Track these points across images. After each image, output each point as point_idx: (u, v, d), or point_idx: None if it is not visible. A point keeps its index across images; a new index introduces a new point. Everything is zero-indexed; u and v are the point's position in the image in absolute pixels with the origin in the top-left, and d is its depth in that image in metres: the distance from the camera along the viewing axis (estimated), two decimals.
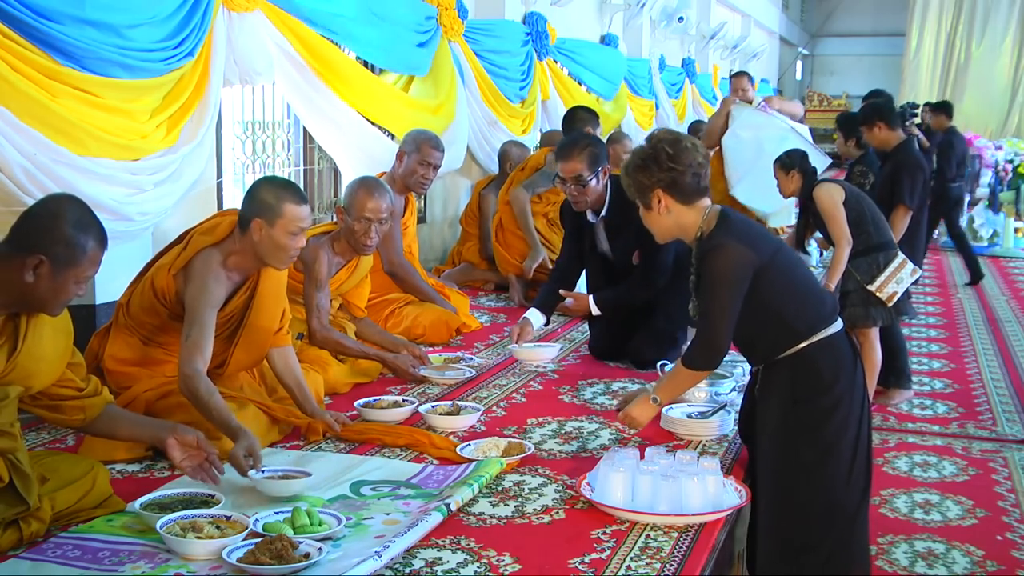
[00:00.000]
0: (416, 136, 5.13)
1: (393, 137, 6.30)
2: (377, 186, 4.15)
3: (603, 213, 4.50)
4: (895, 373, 5.11)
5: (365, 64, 6.17)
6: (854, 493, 2.94)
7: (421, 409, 3.63)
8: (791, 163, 5.22)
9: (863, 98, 9.83)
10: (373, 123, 6.12)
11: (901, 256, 4.85)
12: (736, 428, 3.52)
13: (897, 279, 4.80)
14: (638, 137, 11.78)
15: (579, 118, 6.36)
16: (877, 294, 4.75)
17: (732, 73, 10.04)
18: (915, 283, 5.02)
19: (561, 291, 4.61)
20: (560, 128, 7.47)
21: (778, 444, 2.96)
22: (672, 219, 2.98)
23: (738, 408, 3.56)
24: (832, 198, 4.88)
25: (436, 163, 5.13)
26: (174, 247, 3.41)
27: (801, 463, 2.92)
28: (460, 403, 3.73)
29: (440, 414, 3.59)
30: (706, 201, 2.99)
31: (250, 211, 3.22)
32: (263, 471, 2.86)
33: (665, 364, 3.91)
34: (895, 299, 4.80)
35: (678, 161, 2.92)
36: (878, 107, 6.15)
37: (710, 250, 2.90)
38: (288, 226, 3.19)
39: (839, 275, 4.84)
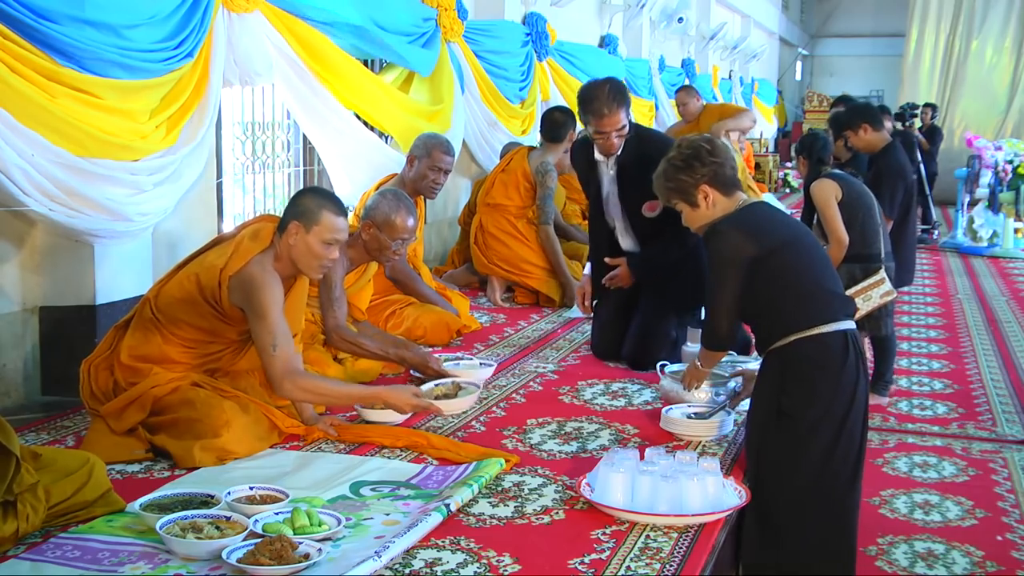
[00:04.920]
0: (427, 141, 5.13)
1: (388, 140, 6.28)
2: (411, 203, 4.20)
3: (618, 153, 4.44)
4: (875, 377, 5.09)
5: (365, 63, 6.16)
6: (834, 491, 2.96)
7: (423, 388, 3.70)
8: (800, 148, 5.25)
9: (832, 104, 9.72)
10: (371, 128, 6.11)
11: (881, 274, 4.78)
12: (736, 429, 3.53)
13: (865, 296, 4.72)
14: None
15: (557, 120, 6.28)
16: None
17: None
18: (889, 303, 4.95)
19: (607, 259, 4.58)
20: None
21: (760, 431, 3.05)
22: (715, 212, 3.12)
23: (742, 412, 3.58)
24: (824, 194, 4.82)
25: (447, 168, 5.12)
26: (218, 247, 3.44)
27: (777, 452, 2.98)
28: (461, 382, 3.78)
29: (437, 396, 3.64)
30: (742, 195, 3.13)
31: (290, 214, 3.31)
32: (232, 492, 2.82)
33: (665, 364, 3.91)
34: (858, 315, 4.74)
35: (717, 155, 3.09)
36: (862, 109, 6.12)
37: (709, 235, 3.06)
38: (323, 234, 3.28)
39: None
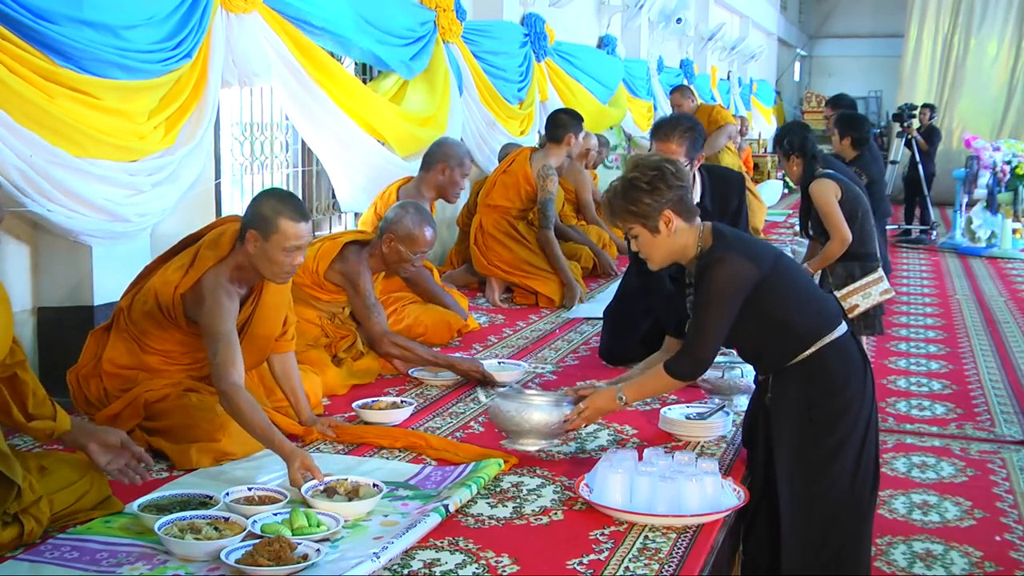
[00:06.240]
0: (457, 150, 5.29)
1: (383, 143, 6.27)
2: (431, 216, 4.27)
3: (696, 200, 4.24)
4: None
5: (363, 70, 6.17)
6: (861, 491, 2.96)
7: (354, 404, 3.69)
8: (790, 148, 5.17)
9: (826, 103, 9.59)
10: (366, 130, 6.10)
11: (879, 272, 4.81)
12: (735, 430, 3.52)
13: (865, 293, 4.74)
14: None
15: (558, 120, 6.29)
16: (841, 302, 4.72)
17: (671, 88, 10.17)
18: (886, 300, 4.96)
19: None
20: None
21: (793, 447, 2.97)
22: (676, 241, 2.93)
23: (741, 412, 3.56)
24: (825, 195, 4.85)
25: (468, 173, 5.40)
26: (178, 257, 3.38)
27: (812, 462, 2.94)
28: (402, 399, 3.80)
29: (379, 408, 3.64)
30: (699, 219, 2.99)
31: (248, 221, 3.19)
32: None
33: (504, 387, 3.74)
34: (856, 312, 4.75)
35: (682, 178, 2.92)
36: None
37: (711, 263, 2.88)
38: (282, 242, 3.13)
39: (822, 265, 4.82)
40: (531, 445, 3.19)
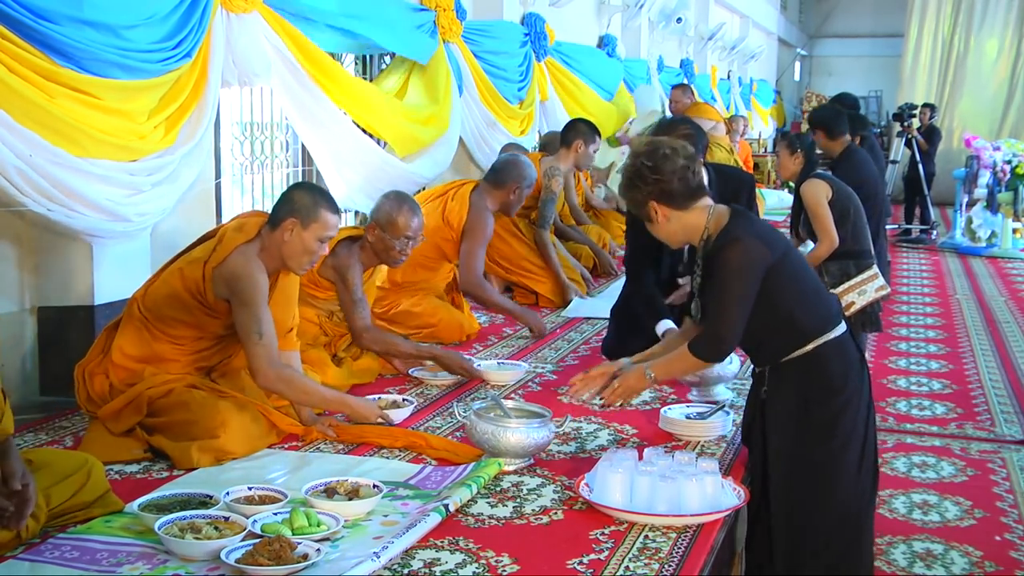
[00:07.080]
0: (531, 171, 5.28)
1: (384, 145, 6.27)
2: (415, 203, 4.25)
3: None
4: None
5: (364, 60, 6.16)
6: (863, 491, 2.97)
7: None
8: (800, 145, 5.19)
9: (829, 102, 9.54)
10: (366, 131, 6.10)
11: (874, 269, 4.84)
12: (735, 429, 3.52)
13: (861, 290, 4.77)
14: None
15: (570, 126, 6.39)
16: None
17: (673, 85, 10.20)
18: (883, 298, 4.97)
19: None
20: (558, 130, 7.48)
21: (790, 446, 2.97)
22: (676, 225, 3.01)
23: (739, 408, 3.56)
24: (816, 196, 4.87)
25: None
26: (203, 243, 3.49)
27: (813, 464, 2.94)
28: (403, 398, 3.82)
29: (384, 407, 3.67)
30: (706, 200, 3.02)
31: (285, 210, 3.33)
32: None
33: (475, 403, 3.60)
34: (853, 309, 4.77)
35: (660, 171, 2.95)
36: (819, 116, 6.16)
37: (725, 244, 2.91)
38: (319, 231, 3.33)
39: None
40: (508, 465, 3.12)
